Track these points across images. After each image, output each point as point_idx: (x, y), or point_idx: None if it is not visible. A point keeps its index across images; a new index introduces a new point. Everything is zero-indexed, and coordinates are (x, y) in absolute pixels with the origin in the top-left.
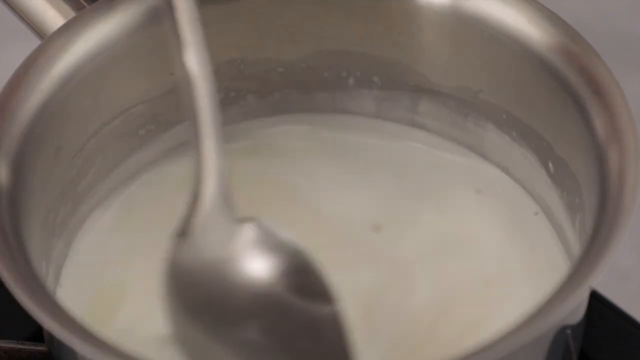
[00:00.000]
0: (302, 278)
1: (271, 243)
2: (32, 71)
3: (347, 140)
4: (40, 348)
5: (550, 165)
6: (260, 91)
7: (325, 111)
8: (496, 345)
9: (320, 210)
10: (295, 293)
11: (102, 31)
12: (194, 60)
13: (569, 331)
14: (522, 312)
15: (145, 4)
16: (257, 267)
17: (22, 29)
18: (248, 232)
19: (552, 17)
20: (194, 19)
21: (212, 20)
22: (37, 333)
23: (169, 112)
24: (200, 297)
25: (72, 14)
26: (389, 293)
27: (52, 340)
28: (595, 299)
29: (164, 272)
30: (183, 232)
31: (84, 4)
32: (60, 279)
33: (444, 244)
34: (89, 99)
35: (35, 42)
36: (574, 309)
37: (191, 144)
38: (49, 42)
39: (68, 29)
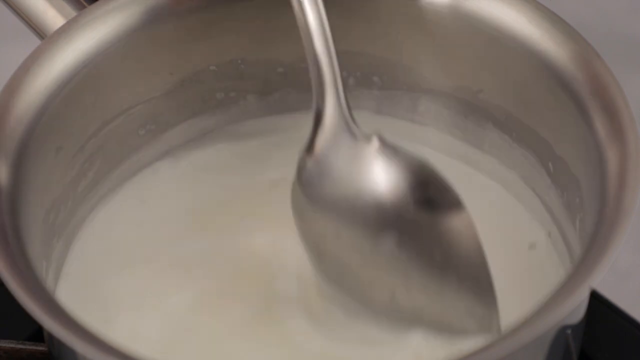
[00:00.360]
0: (430, 189)
1: (395, 156)
2: (32, 71)
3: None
4: (40, 348)
5: (550, 165)
6: (260, 91)
7: None
8: (496, 345)
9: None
10: (424, 203)
11: (102, 31)
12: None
13: (569, 331)
14: (522, 312)
15: (145, 4)
16: (385, 180)
17: (22, 29)
18: (372, 146)
19: (552, 18)
20: None
21: (213, 21)
22: (37, 333)
23: (169, 112)
24: (331, 212)
25: (72, 14)
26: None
27: (52, 340)
28: (595, 299)
29: (295, 192)
30: (309, 150)
31: (84, 4)
32: (60, 279)
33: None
34: (89, 99)
35: (36, 42)
36: (574, 309)
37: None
38: (49, 42)
39: (68, 29)
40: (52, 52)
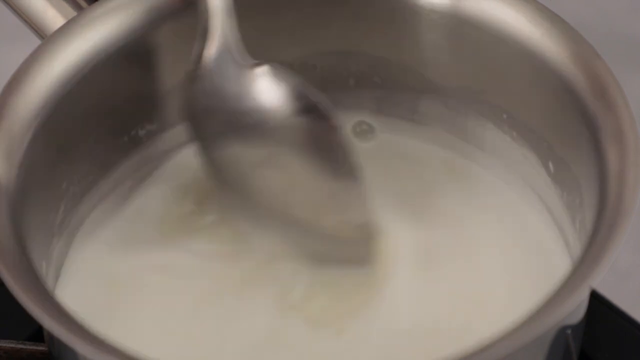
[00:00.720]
0: (313, 116)
1: (284, 84)
2: (32, 71)
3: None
4: (41, 348)
5: (551, 165)
6: None
7: None
8: (496, 345)
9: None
10: (306, 123)
11: (102, 31)
12: None
13: (569, 331)
14: (522, 313)
15: (145, 4)
16: (270, 101)
17: (22, 29)
18: (259, 71)
19: (552, 18)
20: None
21: None
22: (37, 333)
23: (169, 112)
24: (218, 127)
25: (72, 13)
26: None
27: (52, 340)
28: (595, 299)
29: (182, 106)
30: (194, 74)
31: (84, 3)
32: (60, 279)
33: (444, 244)
34: (89, 98)
35: (36, 42)
36: (574, 309)
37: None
38: (49, 42)
39: (68, 29)
40: (52, 52)
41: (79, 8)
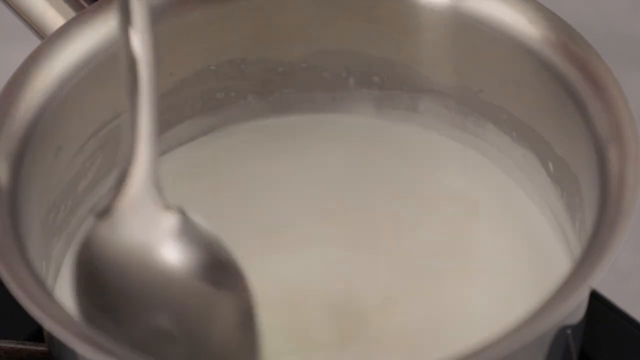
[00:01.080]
0: (221, 272)
1: (194, 234)
2: (32, 71)
3: (347, 139)
4: (40, 348)
5: (550, 165)
6: (260, 91)
7: (325, 111)
8: (496, 345)
9: (318, 209)
10: (211, 286)
11: (101, 31)
12: (138, 43)
13: (569, 331)
14: (522, 312)
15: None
16: (176, 256)
17: (22, 29)
18: (172, 220)
19: (552, 17)
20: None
21: (213, 20)
22: (37, 333)
23: (168, 112)
24: (114, 280)
25: (72, 14)
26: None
27: (52, 340)
28: (596, 299)
29: (78, 250)
30: (105, 211)
31: (84, 4)
32: (60, 279)
33: (444, 244)
34: (89, 98)
35: (35, 42)
36: (574, 309)
37: (194, 138)
38: (49, 42)
39: (68, 29)
40: (52, 52)
41: (78, 8)
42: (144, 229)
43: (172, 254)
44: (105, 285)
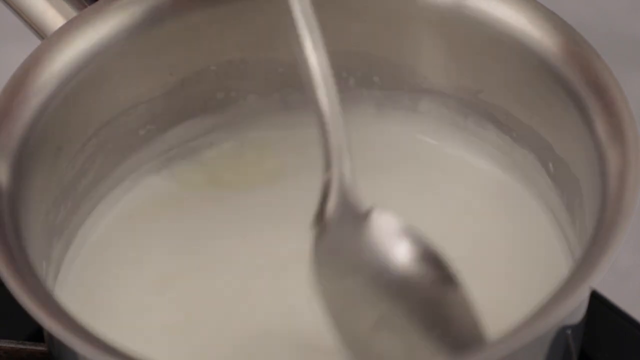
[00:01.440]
0: (429, 264)
1: (396, 230)
2: (32, 71)
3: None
4: (40, 348)
5: (551, 165)
6: (261, 91)
7: None
8: (497, 345)
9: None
10: (425, 277)
11: (102, 31)
12: (313, 53)
13: (569, 331)
14: (522, 312)
15: (145, 4)
16: (389, 254)
17: (22, 29)
18: (375, 221)
19: (552, 18)
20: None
21: (213, 20)
22: (37, 333)
23: (169, 112)
24: (341, 283)
25: (72, 14)
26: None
27: (52, 340)
28: (596, 299)
29: (311, 261)
30: (319, 223)
31: (84, 3)
32: (60, 279)
33: (445, 245)
34: (89, 99)
35: (36, 42)
36: (575, 309)
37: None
38: (49, 42)
39: (68, 29)
40: (52, 52)
41: (79, 8)
42: (353, 233)
43: (385, 252)
44: (335, 288)
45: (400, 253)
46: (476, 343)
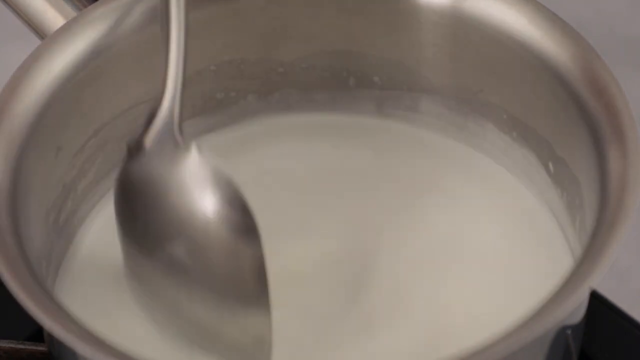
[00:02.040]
0: (233, 211)
1: (210, 171)
2: (32, 71)
3: (347, 140)
4: (41, 348)
5: (551, 165)
6: (261, 91)
7: (325, 111)
8: (497, 345)
9: (317, 211)
10: (224, 223)
11: (102, 31)
12: None
13: (569, 331)
14: (522, 312)
15: (145, 4)
16: (196, 192)
17: (22, 29)
18: (192, 156)
19: (552, 18)
20: None
21: (213, 20)
22: (37, 333)
23: None
24: (141, 209)
25: (72, 14)
26: (394, 291)
27: (52, 340)
28: (596, 299)
29: (115, 184)
30: (136, 146)
31: (84, 4)
32: (60, 279)
33: (445, 244)
34: (89, 99)
35: (36, 42)
36: (574, 309)
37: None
38: (49, 42)
39: (68, 29)
40: (52, 52)
41: (79, 8)
42: (167, 165)
43: (191, 189)
44: (133, 215)
45: (207, 194)
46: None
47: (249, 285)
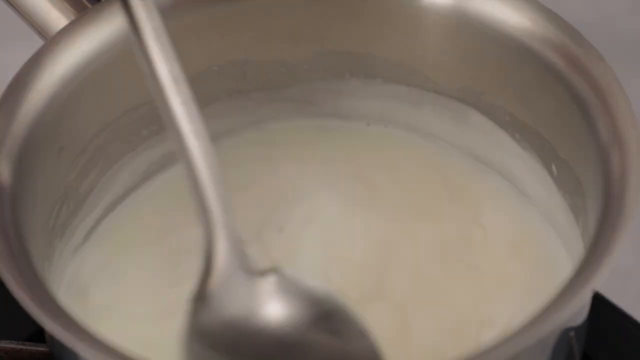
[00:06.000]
0: (335, 321)
1: (295, 291)
2: (35, 71)
3: (350, 141)
4: (41, 348)
5: (554, 167)
6: (264, 92)
7: (328, 112)
8: (500, 347)
9: (319, 210)
10: (329, 336)
11: (105, 32)
12: (184, 115)
13: (572, 333)
14: (525, 314)
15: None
16: (284, 317)
17: (25, 29)
18: (269, 283)
19: (555, 20)
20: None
21: (216, 21)
22: (38, 333)
23: None
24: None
25: (75, 14)
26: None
27: (53, 341)
28: (597, 299)
29: (185, 339)
30: (200, 296)
31: (87, 4)
32: (61, 280)
33: (446, 246)
34: (91, 99)
35: (38, 43)
36: (577, 311)
37: None
38: (52, 42)
39: (71, 30)
40: (55, 52)
41: (82, 9)
42: (242, 301)
43: (277, 314)
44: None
45: (298, 314)
46: None
47: None
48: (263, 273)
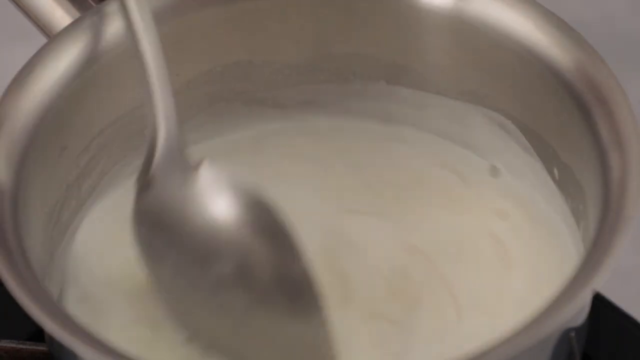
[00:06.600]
0: (262, 215)
1: (227, 182)
2: (37, 70)
3: (352, 142)
4: (41, 348)
5: (556, 171)
6: (266, 93)
7: (330, 114)
8: (501, 347)
9: (320, 210)
10: (256, 230)
11: (108, 31)
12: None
13: (572, 333)
14: (526, 315)
15: (150, 5)
16: (218, 206)
17: (28, 28)
18: (204, 173)
19: (557, 22)
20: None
21: (219, 22)
22: (38, 333)
23: None
24: (167, 241)
25: (79, 13)
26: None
27: (53, 340)
28: (597, 300)
29: (131, 220)
30: (144, 179)
31: (92, 3)
32: (61, 280)
33: (447, 246)
34: (94, 98)
35: (39, 43)
36: (578, 311)
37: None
38: (55, 41)
39: (74, 29)
40: (58, 51)
41: (85, 8)
42: (180, 187)
43: (214, 204)
44: (161, 246)
45: (227, 203)
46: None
47: (297, 291)
48: (197, 164)
